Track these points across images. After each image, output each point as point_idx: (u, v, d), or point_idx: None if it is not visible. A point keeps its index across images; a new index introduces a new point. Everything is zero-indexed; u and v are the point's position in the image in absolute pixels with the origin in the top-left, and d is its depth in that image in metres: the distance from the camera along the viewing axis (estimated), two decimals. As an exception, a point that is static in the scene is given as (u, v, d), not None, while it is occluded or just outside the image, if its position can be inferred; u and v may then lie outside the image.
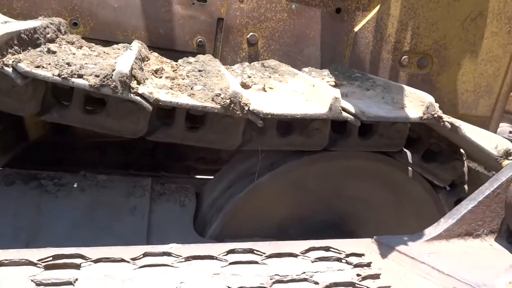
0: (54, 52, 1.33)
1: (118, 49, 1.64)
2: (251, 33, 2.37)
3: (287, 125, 1.62)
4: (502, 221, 1.14)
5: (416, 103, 1.55)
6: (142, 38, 2.27)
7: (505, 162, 1.56)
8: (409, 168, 1.81)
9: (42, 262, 0.94)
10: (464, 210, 1.13)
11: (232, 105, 1.30)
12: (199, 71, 1.57)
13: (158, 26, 2.29)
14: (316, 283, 0.94)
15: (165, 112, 1.55)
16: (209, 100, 1.31)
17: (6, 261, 0.92)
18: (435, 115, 1.50)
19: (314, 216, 1.86)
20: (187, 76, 1.54)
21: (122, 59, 1.34)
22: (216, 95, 1.31)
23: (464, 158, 1.84)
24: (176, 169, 3.49)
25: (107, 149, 2.61)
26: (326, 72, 2.03)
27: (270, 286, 0.91)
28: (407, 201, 1.88)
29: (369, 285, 0.93)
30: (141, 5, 2.25)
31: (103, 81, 1.20)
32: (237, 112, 1.32)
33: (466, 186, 1.90)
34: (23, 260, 0.94)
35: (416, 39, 2.58)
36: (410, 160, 1.80)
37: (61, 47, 1.46)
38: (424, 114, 1.51)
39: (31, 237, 1.51)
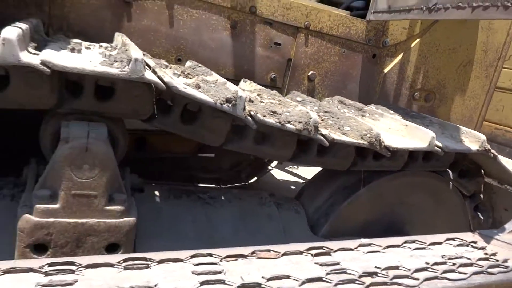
0: (252, 101, 1.81)
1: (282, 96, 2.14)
2: (311, 71, 2.96)
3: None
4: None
5: (472, 139, 2.26)
6: (230, 72, 2.75)
7: (521, 179, 2.36)
8: (450, 182, 2.54)
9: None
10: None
11: (375, 142, 1.90)
12: (325, 112, 2.14)
13: (243, 63, 2.78)
14: (469, 259, 1.58)
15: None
16: (359, 138, 1.89)
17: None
18: (486, 148, 2.23)
19: (382, 218, 2.50)
20: (319, 116, 2.09)
21: (306, 108, 1.87)
22: (364, 134, 1.89)
23: (483, 175, 2.61)
24: (179, 177, 3.97)
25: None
26: (390, 110, 2.69)
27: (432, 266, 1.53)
28: (445, 205, 2.61)
29: (497, 258, 1.59)
30: (232, 46, 2.73)
31: (305, 127, 1.71)
32: (377, 147, 1.92)
33: (481, 195, 2.68)
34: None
35: (425, 79, 3.36)
36: (450, 176, 2.52)
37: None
38: (480, 147, 2.22)
39: (209, 239, 1.96)
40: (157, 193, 2.06)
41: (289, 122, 1.72)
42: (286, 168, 5.64)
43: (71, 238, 1.50)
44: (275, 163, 4.33)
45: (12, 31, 1.26)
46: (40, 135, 1.70)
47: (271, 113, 1.74)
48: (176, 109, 1.75)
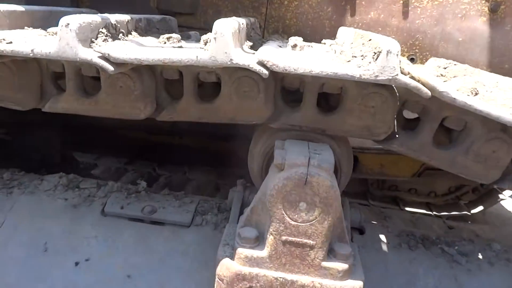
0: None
1: None
2: None
3: None
4: None
5: None
6: (483, 74, 1.99)
7: None
8: None
9: None
10: None
11: None
12: None
13: (504, 60, 1.99)
14: None
15: None
16: None
17: None
18: None
19: None
20: None
21: None
22: None
23: None
24: (384, 198, 3.25)
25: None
26: None
27: None
28: None
29: None
30: (489, 38, 1.97)
31: None
32: None
33: None
34: None
35: None
36: None
37: None
38: None
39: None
40: (382, 237, 1.53)
41: None
42: (523, 198, 4.29)
43: (278, 297, 1.12)
44: (509, 191, 3.25)
45: (227, 25, 0.96)
46: (249, 154, 1.41)
47: None
48: (427, 126, 1.19)
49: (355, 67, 0.94)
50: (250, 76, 1.11)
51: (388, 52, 0.89)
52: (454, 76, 1.30)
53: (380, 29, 2.00)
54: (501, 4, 1.91)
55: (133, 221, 1.43)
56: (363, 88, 1.11)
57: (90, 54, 0.96)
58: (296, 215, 1.07)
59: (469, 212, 3.33)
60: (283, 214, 1.07)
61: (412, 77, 1.03)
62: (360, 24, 1.99)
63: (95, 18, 1.04)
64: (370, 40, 1.00)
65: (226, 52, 0.93)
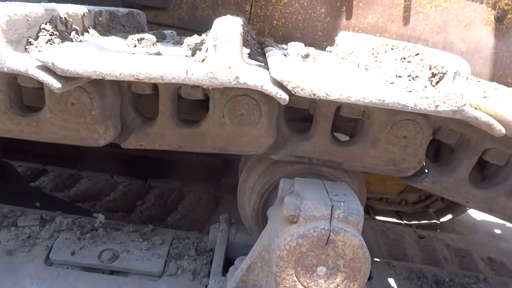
0: None
1: None
2: None
3: None
4: None
5: None
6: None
7: None
8: None
9: None
10: None
11: None
12: None
13: (507, 74, 1.84)
14: None
15: None
16: None
17: None
18: None
19: None
20: None
21: None
22: None
23: None
24: None
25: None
26: None
27: None
28: None
29: None
30: (494, 48, 1.81)
31: None
32: None
33: None
34: None
35: None
36: None
37: None
38: None
39: None
40: (391, 281, 1.31)
41: None
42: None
43: None
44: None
45: (232, 28, 0.67)
46: (239, 188, 1.13)
47: None
48: (465, 160, 0.97)
49: (404, 91, 0.69)
50: (249, 95, 0.83)
51: (456, 74, 0.65)
52: (485, 98, 1.09)
53: (377, 34, 1.79)
54: (508, 13, 1.74)
55: (88, 272, 1.11)
56: (393, 113, 0.87)
57: (24, 63, 0.65)
58: (313, 283, 0.81)
59: (438, 220, 3.28)
60: (295, 281, 0.80)
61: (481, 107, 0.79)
62: (356, 28, 1.76)
63: (36, 8, 0.73)
64: (417, 54, 0.75)
65: (230, 67, 0.65)
